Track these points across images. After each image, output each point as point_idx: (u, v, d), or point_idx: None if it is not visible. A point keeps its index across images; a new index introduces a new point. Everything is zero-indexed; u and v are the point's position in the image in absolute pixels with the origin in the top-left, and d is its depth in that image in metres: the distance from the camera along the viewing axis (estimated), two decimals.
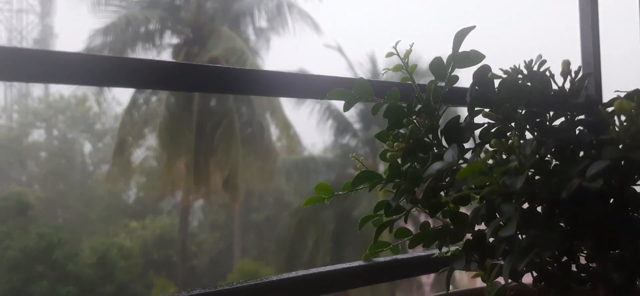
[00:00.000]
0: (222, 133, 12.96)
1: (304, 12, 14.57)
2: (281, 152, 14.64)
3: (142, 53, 13.75)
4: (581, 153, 0.79)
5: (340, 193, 0.98)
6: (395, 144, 0.88)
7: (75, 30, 13.99)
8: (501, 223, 0.75)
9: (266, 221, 21.04)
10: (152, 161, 13.86)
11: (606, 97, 1.46)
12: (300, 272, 1.00)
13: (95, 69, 0.85)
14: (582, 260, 0.82)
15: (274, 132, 14.56)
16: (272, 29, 15.49)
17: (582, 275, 0.82)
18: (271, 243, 19.19)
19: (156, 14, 13.48)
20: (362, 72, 14.31)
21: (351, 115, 13.61)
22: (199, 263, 20.43)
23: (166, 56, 14.22)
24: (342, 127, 14.19)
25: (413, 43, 0.93)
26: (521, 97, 0.82)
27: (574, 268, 0.83)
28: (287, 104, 14.18)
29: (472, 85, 0.85)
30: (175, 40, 14.43)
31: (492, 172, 0.68)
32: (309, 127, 14.54)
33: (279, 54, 16.50)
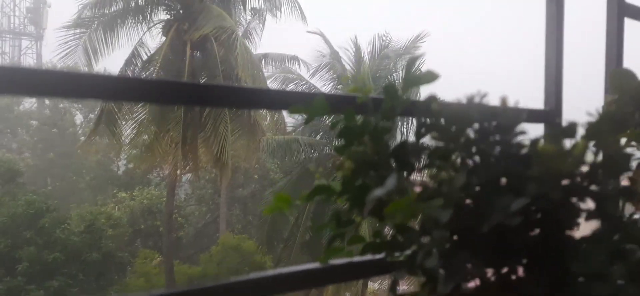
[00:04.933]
0: (211, 110, 12.97)
1: None
2: (267, 131, 14.83)
3: (132, 27, 13.68)
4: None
5: (298, 202, 1.04)
6: (345, 163, 0.95)
7: None
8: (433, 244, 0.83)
9: (251, 197, 21.15)
10: (141, 134, 13.85)
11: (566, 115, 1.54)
12: (257, 274, 1.06)
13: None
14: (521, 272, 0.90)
15: (261, 112, 14.64)
16: (263, 10, 15.51)
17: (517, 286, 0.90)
18: (255, 218, 19.37)
19: None
20: (348, 57, 14.63)
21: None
22: (184, 234, 20.57)
23: (156, 32, 14.15)
24: None
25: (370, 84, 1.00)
26: (462, 125, 0.90)
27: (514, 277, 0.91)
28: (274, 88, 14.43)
29: (419, 113, 0.93)
30: (165, 16, 14.33)
31: (418, 207, 0.75)
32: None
33: (267, 36, 16.56)
